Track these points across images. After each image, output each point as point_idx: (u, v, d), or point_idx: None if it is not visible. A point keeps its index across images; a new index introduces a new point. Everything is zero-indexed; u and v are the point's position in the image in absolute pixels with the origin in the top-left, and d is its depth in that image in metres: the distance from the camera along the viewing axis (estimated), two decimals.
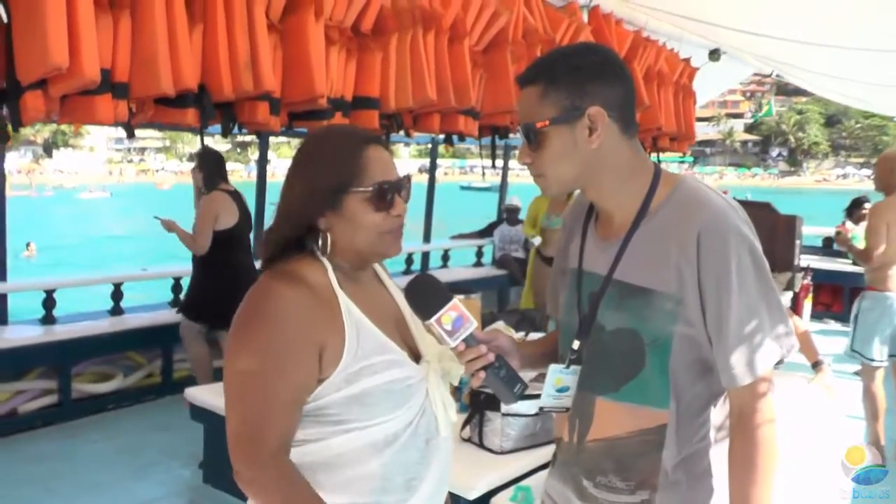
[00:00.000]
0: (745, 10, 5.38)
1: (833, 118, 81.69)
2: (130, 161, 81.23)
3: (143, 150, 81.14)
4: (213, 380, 4.64)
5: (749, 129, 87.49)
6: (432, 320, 1.43)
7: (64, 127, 70.63)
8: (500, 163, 8.62)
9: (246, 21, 3.32)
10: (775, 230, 6.29)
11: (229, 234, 4.94)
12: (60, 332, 5.34)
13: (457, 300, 1.45)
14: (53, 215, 34.30)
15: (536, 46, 4.77)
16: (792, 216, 6.60)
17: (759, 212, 6.43)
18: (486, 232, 9.27)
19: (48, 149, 73.96)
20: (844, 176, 76.83)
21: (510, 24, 4.58)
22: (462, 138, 4.60)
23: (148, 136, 73.67)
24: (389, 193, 1.46)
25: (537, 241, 6.69)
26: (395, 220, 1.48)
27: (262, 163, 7.20)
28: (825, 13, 5.12)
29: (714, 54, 7.14)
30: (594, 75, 1.44)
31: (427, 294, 1.45)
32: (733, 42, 6.78)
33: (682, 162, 54.63)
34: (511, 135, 5.11)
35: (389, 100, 3.94)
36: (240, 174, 69.22)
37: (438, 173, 9.39)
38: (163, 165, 76.84)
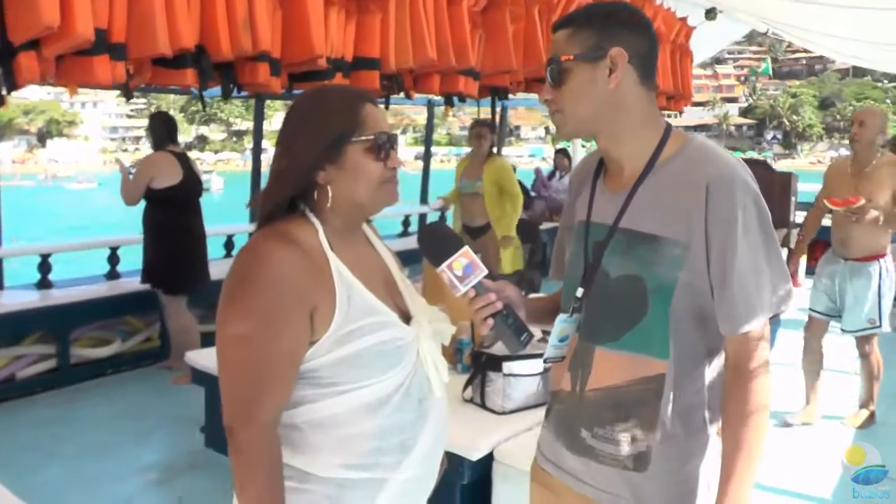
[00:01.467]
0: None
1: (826, 101, 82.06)
2: (125, 150, 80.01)
3: (137, 139, 79.83)
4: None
5: (744, 112, 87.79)
6: (443, 266, 1.47)
7: (58, 116, 69.83)
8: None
9: None
10: (771, 187, 6.30)
11: (172, 193, 4.98)
12: (58, 296, 5.33)
13: (468, 248, 1.48)
14: (36, 207, 33.51)
15: (534, 6, 4.72)
16: (787, 173, 6.61)
17: (756, 169, 6.40)
18: None
19: (42, 138, 73.26)
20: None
21: None
22: (462, 99, 4.56)
23: (143, 126, 72.56)
24: (387, 144, 1.49)
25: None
26: (392, 171, 1.51)
27: (259, 125, 7.14)
28: None
29: (710, 13, 7.09)
30: (622, 23, 1.51)
31: (438, 242, 1.49)
32: (729, 1, 6.73)
33: None
34: (510, 95, 5.07)
35: (390, 60, 3.89)
36: (236, 163, 68.61)
37: (434, 160, 9.51)
38: None
